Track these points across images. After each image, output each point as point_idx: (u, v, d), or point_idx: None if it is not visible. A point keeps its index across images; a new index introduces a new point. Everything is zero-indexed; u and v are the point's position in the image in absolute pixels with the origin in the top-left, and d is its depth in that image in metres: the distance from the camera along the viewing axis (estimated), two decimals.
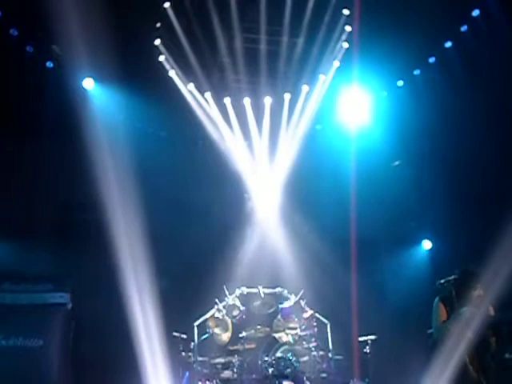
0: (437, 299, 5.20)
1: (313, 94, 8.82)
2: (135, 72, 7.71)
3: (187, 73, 8.37)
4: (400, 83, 8.64)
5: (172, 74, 8.40)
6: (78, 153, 7.06)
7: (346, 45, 8.31)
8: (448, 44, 7.96)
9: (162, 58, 8.23)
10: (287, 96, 8.95)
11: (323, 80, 8.77)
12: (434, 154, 8.20)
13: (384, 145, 8.37)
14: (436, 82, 8.09)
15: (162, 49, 8.14)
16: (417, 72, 8.42)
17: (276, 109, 8.96)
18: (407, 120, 8.34)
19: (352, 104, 8.82)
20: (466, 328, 4.92)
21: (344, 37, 8.22)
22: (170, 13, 7.78)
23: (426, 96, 8.17)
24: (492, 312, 5.05)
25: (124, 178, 6.85)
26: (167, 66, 8.31)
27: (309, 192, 8.55)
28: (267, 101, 8.96)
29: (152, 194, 7.52)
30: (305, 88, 8.85)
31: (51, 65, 7.71)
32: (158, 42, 8.04)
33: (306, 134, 8.83)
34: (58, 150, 7.60)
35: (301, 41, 8.14)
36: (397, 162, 8.79)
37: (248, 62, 8.36)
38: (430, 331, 5.35)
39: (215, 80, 8.51)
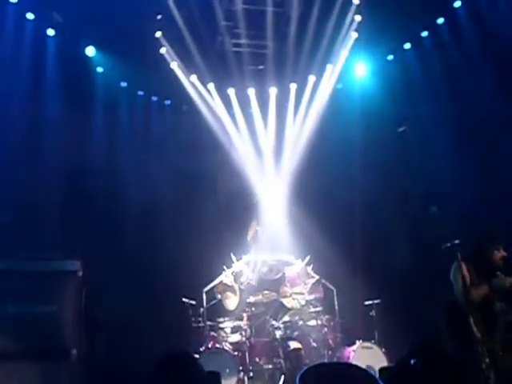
0: (456, 263, 5.18)
1: (321, 84, 8.67)
2: (136, 42, 7.59)
3: (189, 64, 8.19)
4: (407, 46, 8.47)
5: (174, 65, 8.25)
6: (83, 120, 7.05)
7: (355, 34, 8.13)
8: (457, 3, 7.77)
9: (163, 51, 8.06)
10: (293, 86, 8.78)
11: (331, 70, 8.63)
12: (439, 119, 8.11)
13: (389, 110, 8.28)
14: (444, 44, 7.91)
15: (163, 41, 7.95)
16: (425, 34, 8.23)
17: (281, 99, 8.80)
18: (413, 84, 8.22)
19: (358, 70, 8.74)
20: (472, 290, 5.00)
21: (354, 26, 8.04)
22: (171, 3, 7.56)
23: (434, 59, 8.00)
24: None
25: (130, 145, 6.87)
26: (168, 59, 8.14)
27: (315, 158, 8.52)
28: (272, 91, 8.82)
29: (157, 162, 7.55)
30: (312, 78, 8.71)
31: (53, 32, 7.60)
32: (159, 34, 7.83)
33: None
34: (64, 118, 7.57)
35: (309, 30, 7.94)
36: (402, 128, 8.71)
37: (253, 51, 8.21)
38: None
39: (218, 70, 8.33)
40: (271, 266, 7.55)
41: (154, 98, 8.76)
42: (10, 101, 7.15)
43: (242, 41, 8.11)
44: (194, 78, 8.47)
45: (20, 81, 7.27)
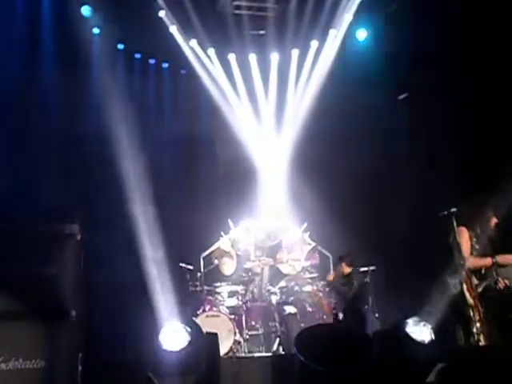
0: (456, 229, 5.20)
1: (323, 50, 8.52)
2: (134, 3, 7.40)
3: (189, 29, 8.02)
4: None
5: (173, 29, 8.08)
6: (80, 83, 6.95)
7: None
8: None
9: (162, 14, 7.87)
10: (295, 52, 8.63)
11: (334, 35, 8.46)
12: (441, 86, 7.99)
13: (391, 76, 8.15)
14: None
15: (162, 3, 7.76)
16: None
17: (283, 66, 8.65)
18: (415, 46, 8.03)
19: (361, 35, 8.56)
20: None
21: None
22: None
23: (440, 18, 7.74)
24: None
25: (127, 109, 6.79)
26: (167, 22, 7.96)
27: (316, 126, 8.46)
28: (274, 57, 8.65)
29: (155, 128, 7.49)
30: (314, 44, 8.55)
31: None
32: None
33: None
34: (59, 81, 7.45)
35: None
36: (403, 95, 8.62)
37: (254, 14, 8.02)
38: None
39: (219, 35, 8.16)
40: (268, 233, 7.61)
41: (152, 61, 8.61)
42: (3, 64, 7.01)
43: (243, 3, 7.92)
44: (193, 42, 8.32)
45: (14, 42, 7.11)
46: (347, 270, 7.22)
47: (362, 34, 8.64)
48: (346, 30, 8.47)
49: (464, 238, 5.19)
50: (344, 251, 7.49)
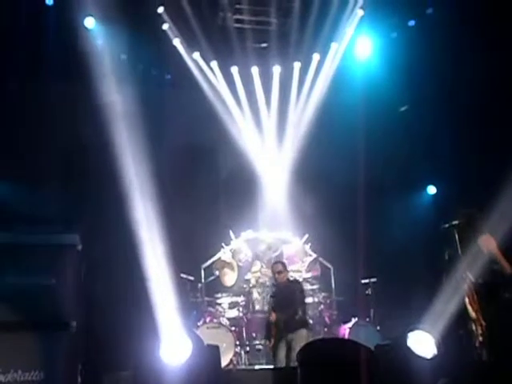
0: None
1: (325, 63, 8.59)
2: (136, 13, 7.45)
3: (192, 41, 8.09)
4: (411, 23, 8.33)
5: (176, 42, 8.14)
6: (83, 93, 6.97)
7: (361, 12, 8.00)
8: None
9: (165, 27, 7.94)
10: (297, 65, 8.66)
11: (336, 48, 8.53)
12: (441, 99, 8.04)
13: (392, 90, 8.21)
14: (449, 22, 7.76)
15: (166, 17, 7.83)
16: (429, 11, 8.09)
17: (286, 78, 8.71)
18: (416, 63, 8.11)
19: (362, 49, 8.61)
20: (468, 269, 5.04)
21: (360, 4, 7.90)
22: None
23: (438, 37, 7.86)
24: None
25: (130, 119, 6.81)
26: (171, 35, 8.04)
27: (317, 137, 8.49)
28: (276, 70, 8.71)
29: (158, 137, 7.50)
30: (316, 57, 8.60)
31: (51, 2, 7.44)
32: (161, 9, 7.71)
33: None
34: (63, 90, 7.48)
35: (314, 6, 7.79)
36: (404, 108, 8.66)
37: (256, 28, 8.08)
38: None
39: (221, 48, 8.21)
40: (269, 244, 7.60)
41: (154, 72, 8.65)
42: (7, 74, 7.05)
43: (245, 17, 7.98)
44: (196, 55, 8.38)
45: (18, 53, 7.15)
46: None
47: (363, 48, 8.70)
48: (348, 44, 8.52)
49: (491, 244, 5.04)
50: (346, 262, 7.46)
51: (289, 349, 5.77)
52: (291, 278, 6.52)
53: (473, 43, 7.26)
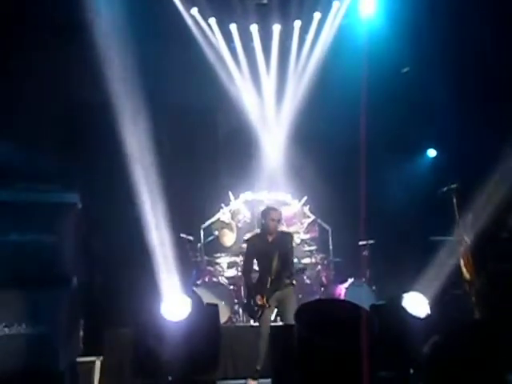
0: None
1: (326, 22, 8.37)
2: None
3: None
4: None
5: None
6: (83, 51, 6.82)
7: None
8: None
9: None
10: (298, 24, 8.42)
11: (338, 6, 8.30)
12: (445, 60, 7.88)
13: (395, 50, 8.03)
14: None
15: None
16: None
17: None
18: (421, 23, 7.90)
19: (365, 6, 8.35)
20: (464, 233, 5.11)
21: None
22: None
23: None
24: None
25: (129, 79, 6.69)
26: None
27: (317, 98, 8.37)
28: (276, 28, 8.44)
29: (157, 98, 7.38)
30: (317, 15, 8.36)
31: None
32: None
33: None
34: (62, 49, 7.31)
35: None
36: (406, 69, 8.50)
37: None
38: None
39: (220, 3, 7.93)
40: (268, 206, 7.63)
41: (151, 29, 8.41)
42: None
43: None
44: (194, 10, 8.13)
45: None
46: None
47: (366, 5, 8.44)
48: (350, 2, 8.28)
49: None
50: (343, 224, 7.52)
51: (280, 306, 5.50)
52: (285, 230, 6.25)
53: (481, 2, 7.05)
